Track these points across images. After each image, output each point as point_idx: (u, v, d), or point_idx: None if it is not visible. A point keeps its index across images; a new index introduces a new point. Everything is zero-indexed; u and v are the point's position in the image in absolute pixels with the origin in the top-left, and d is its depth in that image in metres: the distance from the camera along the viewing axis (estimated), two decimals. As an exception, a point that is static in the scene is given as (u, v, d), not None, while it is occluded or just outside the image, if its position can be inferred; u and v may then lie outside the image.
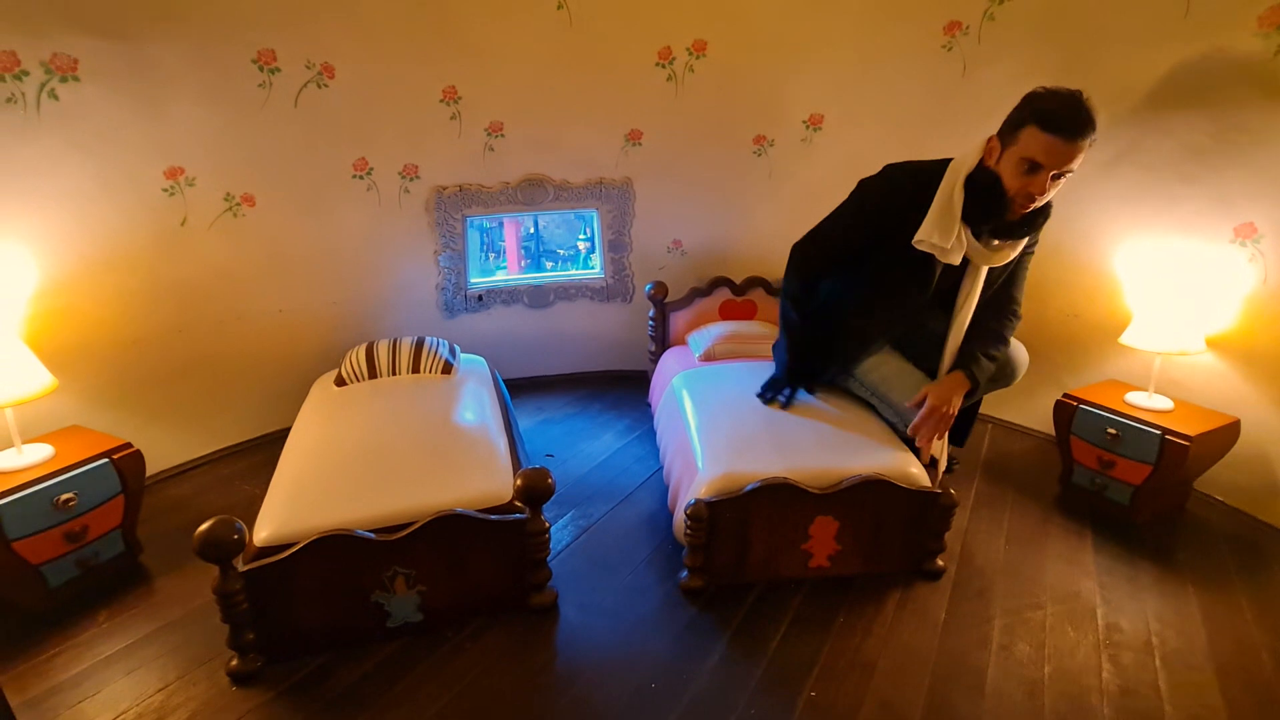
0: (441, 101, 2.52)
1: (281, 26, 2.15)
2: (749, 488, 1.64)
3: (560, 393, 3.06)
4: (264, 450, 2.49)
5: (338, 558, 1.47)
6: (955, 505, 1.73)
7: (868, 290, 1.80)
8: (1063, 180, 1.48)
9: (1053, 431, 2.20)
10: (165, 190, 2.14)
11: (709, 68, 2.62)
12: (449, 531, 1.53)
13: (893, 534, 1.75)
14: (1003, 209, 1.54)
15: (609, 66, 2.60)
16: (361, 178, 2.54)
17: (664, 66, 2.62)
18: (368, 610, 1.54)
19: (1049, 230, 2.30)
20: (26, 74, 1.79)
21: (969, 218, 1.57)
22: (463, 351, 2.58)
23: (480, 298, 2.97)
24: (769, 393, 1.99)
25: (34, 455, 1.72)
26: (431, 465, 1.73)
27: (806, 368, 1.99)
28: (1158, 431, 1.88)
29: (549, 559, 1.75)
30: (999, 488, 2.23)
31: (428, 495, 1.59)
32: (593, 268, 3.19)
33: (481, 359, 2.58)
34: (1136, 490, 1.97)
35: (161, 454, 2.29)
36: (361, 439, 1.87)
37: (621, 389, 3.08)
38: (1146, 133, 2.04)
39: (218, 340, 2.40)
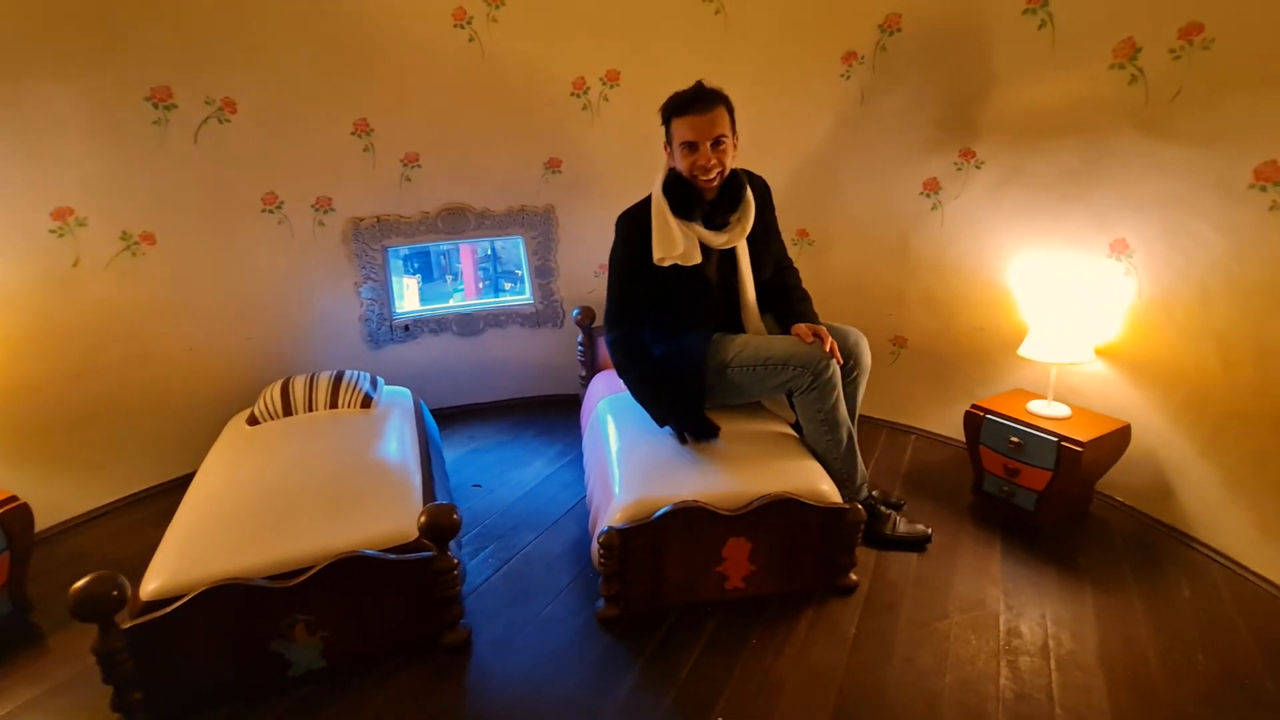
0: (353, 134, 2.50)
1: (176, 64, 2.12)
2: (660, 512, 1.64)
3: (492, 420, 3.04)
4: (176, 494, 2.35)
5: (231, 608, 1.42)
6: (863, 520, 1.76)
7: (673, 320, 1.90)
8: (726, 146, 1.69)
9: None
10: (53, 231, 2.06)
11: (623, 97, 2.68)
12: (351, 574, 1.49)
13: (806, 552, 1.78)
14: (697, 192, 1.74)
15: (524, 96, 2.63)
16: (271, 211, 2.50)
17: (579, 96, 2.67)
18: (266, 661, 1.49)
19: (953, 248, 2.44)
20: (-105, 114, 1.72)
21: (682, 214, 1.75)
22: (390, 383, 2.54)
23: (407, 327, 2.93)
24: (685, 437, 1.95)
25: (-95, 515, 1.63)
26: (337, 505, 1.68)
27: (686, 409, 1.96)
28: (1054, 439, 1.96)
29: (467, 594, 1.73)
30: (916, 498, 2.29)
31: (330, 537, 1.55)
32: (514, 296, 3.20)
33: (406, 391, 2.54)
34: (1040, 496, 2.05)
35: (62, 504, 2.19)
36: (267, 480, 1.81)
37: (554, 414, 3.07)
38: (1028, 156, 2.16)
39: (122, 383, 2.31)
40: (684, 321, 1.89)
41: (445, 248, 5.24)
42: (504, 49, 2.52)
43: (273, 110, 2.33)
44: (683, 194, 1.74)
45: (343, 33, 2.33)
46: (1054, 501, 2.04)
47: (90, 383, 2.23)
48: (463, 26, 2.48)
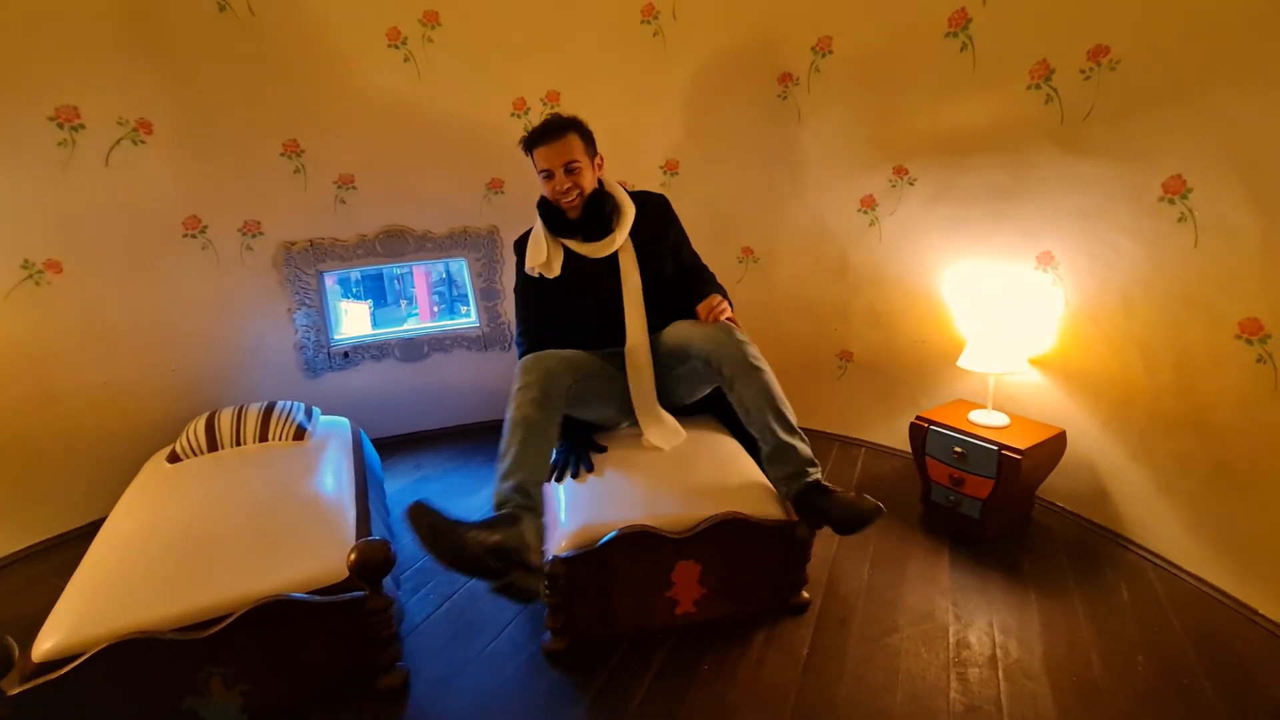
0: (283, 155, 2.42)
1: (83, 83, 2.01)
2: (606, 538, 1.59)
3: (440, 448, 2.93)
4: (88, 540, 2.19)
5: (138, 665, 1.30)
6: (811, 538, 1.75)
7: (569, 329, 1.97)
8: (580, 169, 1.79)
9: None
10: (-58, 260, 1.91)
11: (565, 117, 2.66)
12: (274, 620, 1.39)
13: (756, 571, 1.75)
14: (561, 213, 1.88)
15: (464, 117, 2.59)
16: (194, 236, 2.38)
17: (520, 116, 2.64)
18: (178, 721, 1.37)
19: (892, 263, 2.49)
20: None
21: (555, 232, 1.90)
22: (328, 413, 2.43)
23: (346, 354, 2.82)
24: (558, 473, 1.86)
25: None
26: (261, 546, 1.58)
27: (577, 427, 1.94)
28: (995, 448, 2.00)
29: (406, 634, 1.63)
30: (867, 511, 2.29)
31: (251, 581, 1.45)
32: (458, 319, 3.14)
33: (345, 420, 2.43)
34: (984, 504, 2.07)
35: (-44, 556, 2.00)
36: (184, 521, 1.69)
37: (504, 440, 2.99)
38: (956, 173, 2.23)
39: (26, 423, 2.14)
40: (577, 326, 1.97)
41: (398, 271, 5.11)
42: (441, 69, 2.48)
43: (194, 131, 2.23)
44: (552, 215, 1.89)
45: (269, 50, 2.26)
46: (998, 509, 2.07)
47: (-13, 424, 2.06)
48: (398, 46, 2.43)
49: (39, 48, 1.93)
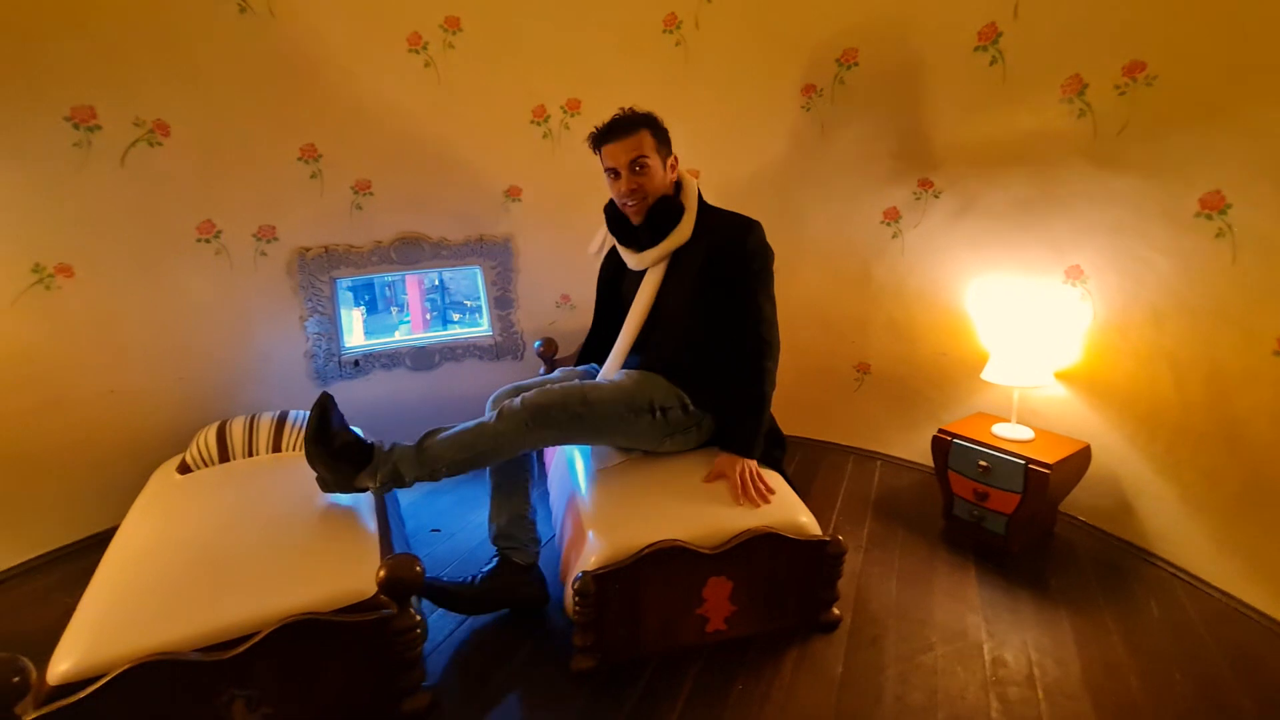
0: (300, 160, 2.38)
1: (101, 83, 1.97)
2: (638, 554, 1.56)
3: (450, 459, 2.88)
4: (94, 553, 2.11)
5: (158, 689, 1.25)
6: (844, 553, 1.72)
7: (613, 334, 1.92)
8: (650, 167, 1.71)
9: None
10: (-51, 264, 1.85)
11: (584, 125, 2.59)
12: (298, 640, 1.34)
13: (787, 587, 1.72)
14: (624, 218, 1.81)
15: (483, 124, 2.56)
16: (208, 241, 2.33)
17: (539, 124, 2.62)
18: (198, 747, 1.31)
19: (914, 275, 2.48)
20: None
21: (620, 238, 1.85)
22: (337, 422, 2.37)
23: (357, 363, 2.77)
24: None
25: None
26: (280, 562, 1.52)
27: None
28: (1022, 461, 1.98)
29: (428, 653, 1.59)
30: (889, 525, 2.27)
31: (273, 599, 1.39)
32: (471, 328, 3.09)
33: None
34: (1010, 519, 2.05)
35: (-46, 569, 1.93)
36: (200, 535, 1.64)
37: (516, 450, 2.94)
38: (984, 186, 2.23)
39: (33, 432, 2.08)
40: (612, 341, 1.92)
41: (391, 279, 5.06)
42: (462, 75, 2.46)
43: (211, 133, 2.19)
44: (615, 219, 1.83)
45: (290, 53, 2.22)
46: (1022, 524, 2.05)
47: (-8, 434, 1.99)
48: (418, 52, 2.41)
49: (57, 45, 1.88)
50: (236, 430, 2.11)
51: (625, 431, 1.75)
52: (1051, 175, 2.05)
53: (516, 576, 1.78)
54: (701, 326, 1.77)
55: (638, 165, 1.70)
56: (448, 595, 1.71)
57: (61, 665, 1.26)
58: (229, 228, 2.35)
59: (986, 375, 2.15)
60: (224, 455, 2.06)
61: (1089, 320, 2.07)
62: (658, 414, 1.75)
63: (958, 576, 1.99)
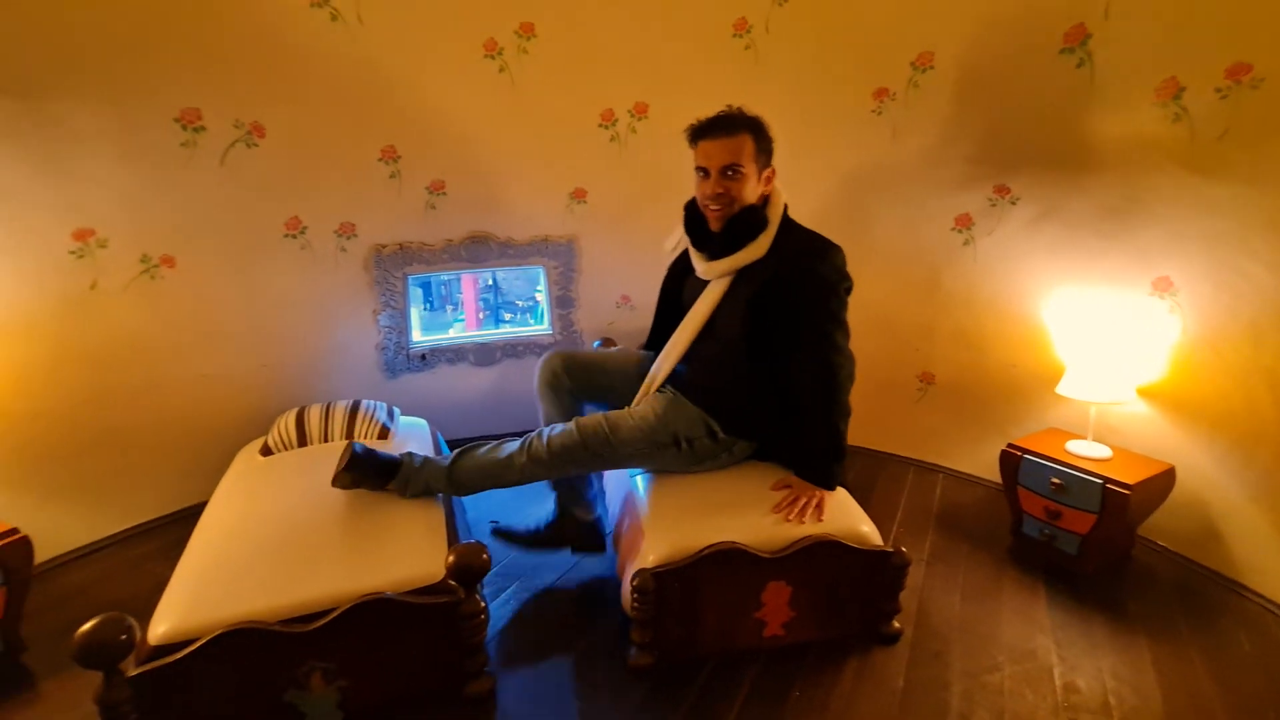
0: (380, 160, 2.49)
1: (207, 87, 2.11)
2: (698, 554, 1.56)
3: (508, 453, 2.95)
4: (182, 526, 2.27)
5: (244, 655, 1.32)
6: (908, 564, 1.69)
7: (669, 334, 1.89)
8: (742, 176, 1.62)
9: (1000, 480, 2.20)
10: (73, 253, 2.02)
11: (651, 129, 2.68)
12: (373, 618, 1.40)
13: (847, 597, 1.69)
14: (702, 220, 1.73)
15: (552, 127, 2.63)
16: (294, 237, 2.46)
17: (607, 128, 2.67)
18: (279, 713, 1.38)
19: (986, 284, 2.41)
20: (-81, 132, 1.69)
21: (695, 241, 1.77)
22: (404, 413, 2.47)
23: (423, 357, 2.87)
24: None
25: (-101, 547, 1.53)
26: (357, 543, 1.60)
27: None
28: (1100, 480, 1.90)
29: (489, 639, 1.63)
30: (952, 540, 2.21)
31: (350, 578, 1.46)
32: (533, 325, 3.16)
33: (423, 421, 2.47)
34: (1084, 540, 1.97)
35: (63, 536, 2.09)
36: (282, 515, 1.73)
37: (572, 447, 2.99)
38: (1066, 193, 2.15)
39: (131, 410, 2.23)
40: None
41: (447, 278, 5.22)
42: (534, 80, 2.53)
43: (301, 135, 2.32)
44: (693, 220, 1.75)
45: (375, 58, 2.34)
46: (1097, 546, 1.96)
47: (98, 410, 2.15)
48: (493, 57, 2.49)
49: (169, 51, 2.03)
50: (314, 417, 2.21)
51: (649, 463, 1.81)
52: (1141, 182, 1.95)
53: (575, 528, 1.91)
54: (752, 350, 1.69)
55: (730, 170, 1.61)
56: (507, 532, 1.92)
57: (160, 627, 1.35)
58: (313, 224, 2.49)
59: (1062, 389, 2.07)
60: (302, 440, 2.16)
61: (1177, 334, 1.96)
62: (683, 445, 1.75)
63: (1026, 595, 1.92)
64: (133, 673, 1.26)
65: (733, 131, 1.60)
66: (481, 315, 5.49)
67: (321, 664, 1.39)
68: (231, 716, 1.36)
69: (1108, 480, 1.88)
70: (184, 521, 2.32)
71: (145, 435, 2.29)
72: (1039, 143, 2.17)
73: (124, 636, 1.22)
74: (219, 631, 1.30)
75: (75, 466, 2.13)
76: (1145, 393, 2.06)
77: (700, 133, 1.64)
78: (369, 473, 1.74)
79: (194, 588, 1.46)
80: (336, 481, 1.72)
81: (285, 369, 2.55)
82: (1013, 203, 2.29)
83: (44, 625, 1.77)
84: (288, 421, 2.20)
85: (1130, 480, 1.86)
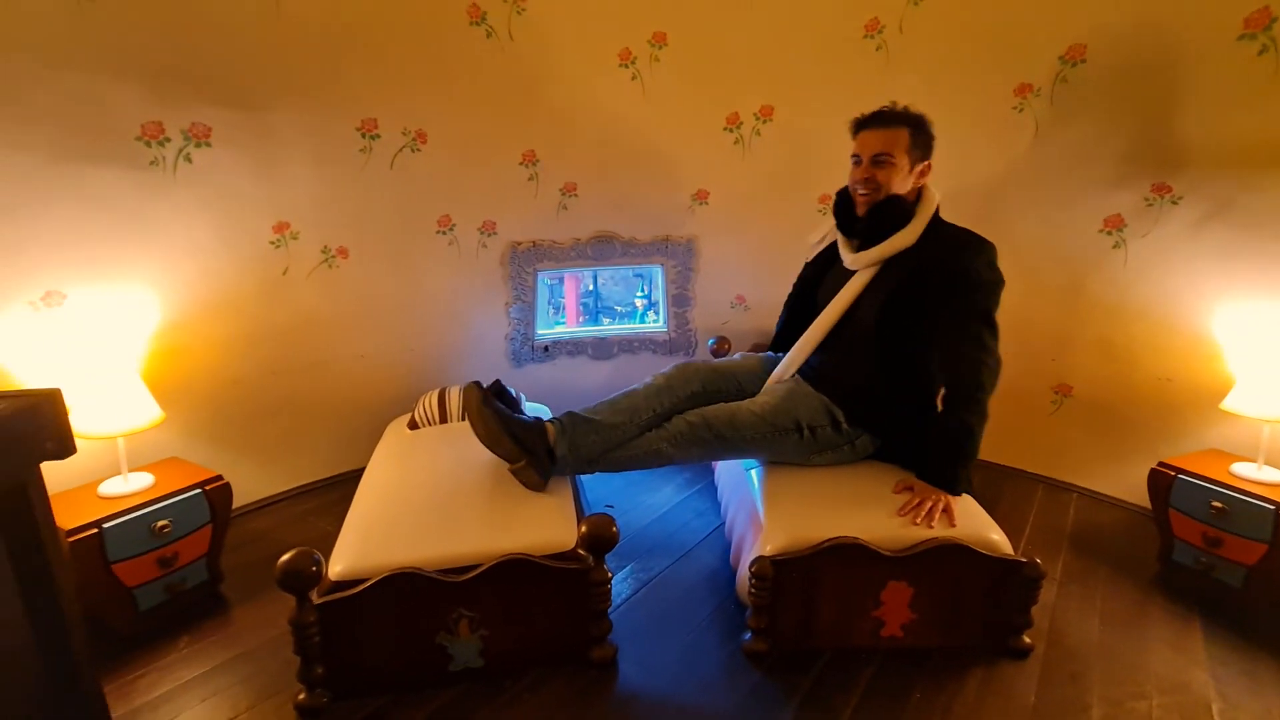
0: (521, 164, 2.69)
1: (384, 98, 2.38)
2: (816, 546, 1.58)
3: (620, 444, 3.07)
4: (337, 489, 2.59)
5: (406, 597, 1.49)
6: (1043, 576, 1.61)
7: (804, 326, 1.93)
8: (891, 166, 1.69)
9: (1146, 504, 2.04)
10: (273, 243, 2.34)
11: (775, 131, 2.71)
12: (513, 576, 1.54)
13: (973, 605, 1.64)
14: (851, 205, 1.80)
15: (679, 131, 2.73)
16: (444, 233, 2.71)
17: (731, 130, 2.73)
18: (431, 653, 1.55)
19: (1138, 290, 2.24)
20: (168, 140, 2.03)
21: (841, 226, 1.85)
22: (528, 400, 2.64)
23: (546, 348, 3.06)
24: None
25: (137, 483, 1.85)
26: (496, 509, 1.74)
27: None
28: (1272, 507, 1.72)
29: (609, 611, 1.73)
30: (1089, 562, 2.07)
31: (493, 539, 1.60)
32: (648, 323, 3.28)
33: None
34: (1250, 571, 1.79)
35: (246, 488, 2.40)
36: (431, 481, 1.91)
37: (682, 442, 3.06)
38: (1239, 191, 1.96)
39: (304, 382, 2.54)
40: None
41: (550, 281, 5.47)
42: (664, 86, 2.63)
43: (456, 140, 2.55)
44: (842, 205, 1.83)
45: (521, 69, 2.53)
46: (1267, 579, 1.77)
47: (280, 381, 2.48)
48: (627, 66, 2.62)
49: (356, 67, 2.32)
50: (454, 397, 2.42)
51: (769, 450, 1.82)
52: (1335, 178, 1.76)
53: (537, 445, 1.77)
54: (888, 341, 1.72)
55: (881, 157, 1.68)
56: (496, 404, 1.79)
57: (337, 566, 1.55)
58: (461, 222, 2.73)
59: (1230, 404, 1.89)
60: (444, 417, 2.37)
61: (1376, 349, 1.75)
62: (805, 433, 1.77)
63: (1178, 627, 1.77)
64: (318, 600, 1.46)
65: (889, 124, 1.69)
66: (582, 318, 5.69)
67: (469, 613, 1.54)
68: (392, 650, 1.54)
69: (1282, 507, 1.71)
70: (339, 485, 2.62)
71: (311, 406, 2.60)
72: (1209, 137, 1.99)
73: (315, 568, 1.43)
74: (387, 573, 1.47)
75: (259, 429, 2.46)
76: (1332, 414, 1.84)
77: (861, 124, 1.74)
78: (505, 403, 1.83)
79: (363, 535, 1.66)
80: (469, 394, 1.75)
81: (426, 353, 2.81)
82: (1174, 202, 2.12)
83: (234, 561, 2.06)
84: (431, 400, 2.42)
85: (1310, 509, 1.68)
